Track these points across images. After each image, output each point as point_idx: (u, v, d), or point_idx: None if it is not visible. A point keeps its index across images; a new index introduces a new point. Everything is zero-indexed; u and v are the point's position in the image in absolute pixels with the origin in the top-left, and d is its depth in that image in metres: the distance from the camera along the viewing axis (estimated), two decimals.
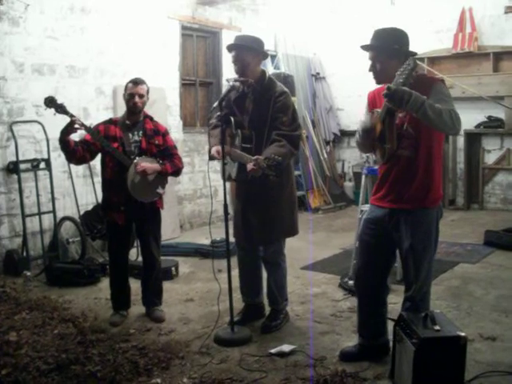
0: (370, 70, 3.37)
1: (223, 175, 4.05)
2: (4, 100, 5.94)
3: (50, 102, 4.22)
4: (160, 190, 4.51)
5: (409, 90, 2.94)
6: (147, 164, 4.35)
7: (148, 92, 4.47)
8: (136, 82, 4.41)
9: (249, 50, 4.02)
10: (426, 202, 3.33)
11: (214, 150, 4.06)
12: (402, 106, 2.97)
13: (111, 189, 4.44)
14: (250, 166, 3.73)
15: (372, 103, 3.50)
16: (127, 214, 4.41)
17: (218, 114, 4.19)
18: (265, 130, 3.98)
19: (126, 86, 4.44)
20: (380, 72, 3.31)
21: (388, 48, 3.25)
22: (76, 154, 4.27)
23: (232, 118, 4.10)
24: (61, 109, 4.23)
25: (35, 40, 6.17)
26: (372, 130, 3.33)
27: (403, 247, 3.38)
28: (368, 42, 3.38)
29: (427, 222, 3.34)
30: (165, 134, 4.59)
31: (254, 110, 4.06)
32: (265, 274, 4.41)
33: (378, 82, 3.40)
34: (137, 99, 4.38)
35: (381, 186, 3.48)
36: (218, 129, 4.07)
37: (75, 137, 4.28)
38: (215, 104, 4.08)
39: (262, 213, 4.10)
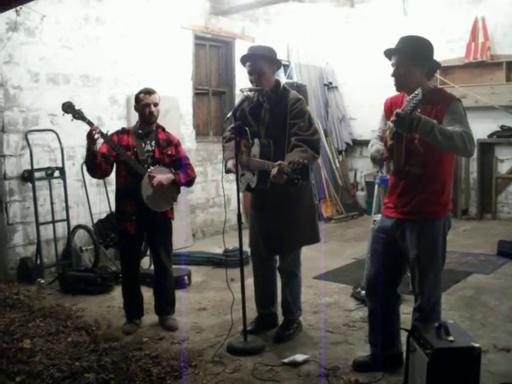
0: (392, 75, 3.31)
1: (239, 187, 4.03)
2: (19, 109, 6.02)
3: (68, 108, 4.26)
4: (173, 201, 4.53)
5: (418, 116, 2.95)
6: (162, 176, 4.37)
7: (159, 101, 4.51)
8: (149, 92, 4.44)
9: (264, 59, 4.02)
10: (432, 214, 3.32)
11: (230, 163, 4.05)
12: (411, 132, 3.00)
13: (123, 198, 4.46)
14: (273, 172, 3.66)
15: (388, 111, 3.50)
16: (139, 223, 4.43)
17: (232, 126, 4.20)
18: (283, 137, 3.97)
19: (138, 97, 4.45)
20: (403, 77, 3.27)
21: (414, 53, 3.23)
22: (101, 166, 4.29)
23: (247, 129, 4.11)
24: (78, 115, 4.27)
25: (50, 50, 6.25)
26: (383, 160, 3.36)
27: (409, 258, 3.39)
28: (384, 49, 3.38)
29: (433, 232, 3.34)
30: (177, 144, 4.62)
31: (271, 119, 4.06)
32: (279, 284, 4.41)
33: (399, 89, 3.36)
34: (153, 108, 4.41)
35: (390, 197, 3.50)
36: (233, 141, 4.09)
37: None
38: (229, 114, 4.09)
39: (283, 221, 4.08)
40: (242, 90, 4.20)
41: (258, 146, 4.00)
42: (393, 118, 3.01)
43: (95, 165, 4.26)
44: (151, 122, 4.47)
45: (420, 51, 3.25)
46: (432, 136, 2.97)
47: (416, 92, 2.97)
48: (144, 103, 4.41)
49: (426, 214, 3.31)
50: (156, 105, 4.43)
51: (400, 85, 3.33)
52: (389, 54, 3.36)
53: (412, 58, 3.24)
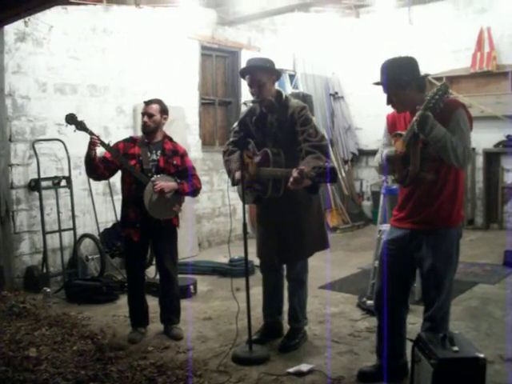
0: (387, 104, 3.40)
1: (243, 199, 4.02)
2: (27, 118, 6.06)
3: (71, 119, 4.35)
4: (176, 209, 4.55)
5: (433, 117, 3.02)
6: (164, 183, 4.41)
7: (163, 111, 4.52)
8: (146, 102, 4.53)
9: (262, 70, 4.06)
10: (448, 223, 3.34)
11: (238, 174, 4.04)
12: (431, 130, 3.05)
13: (128, 205, 4.50)
14: (294, 174, 3.55)
15: (391, 125, 3.53)
16: (143, 230, 4.45)
17: (232, 140, 4.25)
18: (292, 145, 3.98)
19: None
20: (397, 104, 3.36)
21: (398, 81, 3.29)
22: (98, 170, 4.40)
23: (250, 140, 4.13)
24: (80, 126, 4.35)
25: (58, 60, 6.30)
26: (397, 157, 3.37)
27: (425, 267, 3.37)
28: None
29: (449, 241, 3.34)
30: (183, 155, 4.64)
31: (278, 129, 4.08)
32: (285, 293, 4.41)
33: (399, 112, 3.44)
34: (145, 118, 4.47)
35: (402, 208, 3.48)
36: (236, 153, 4.11)
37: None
38: (235, 125, 4.11)
39: (295, 229, 4.10)
40: (245, 103, 4.23)
41: (259, 156, 4.01)
42: (415, 118, 3.07)
43: (92, 167, 4.39)
44: (146, 132, 4.52)
45: (402, 76, 3.28)
46: (443, 142, 3.06)
47: (438, 87, 3.04)
48: (141, 112, 4.54)
49: (443, 222, 3.33)
50: (150, 116, 4.47)
51: (398, 110, 3.42)
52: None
53: (396, 86, 3.30)
